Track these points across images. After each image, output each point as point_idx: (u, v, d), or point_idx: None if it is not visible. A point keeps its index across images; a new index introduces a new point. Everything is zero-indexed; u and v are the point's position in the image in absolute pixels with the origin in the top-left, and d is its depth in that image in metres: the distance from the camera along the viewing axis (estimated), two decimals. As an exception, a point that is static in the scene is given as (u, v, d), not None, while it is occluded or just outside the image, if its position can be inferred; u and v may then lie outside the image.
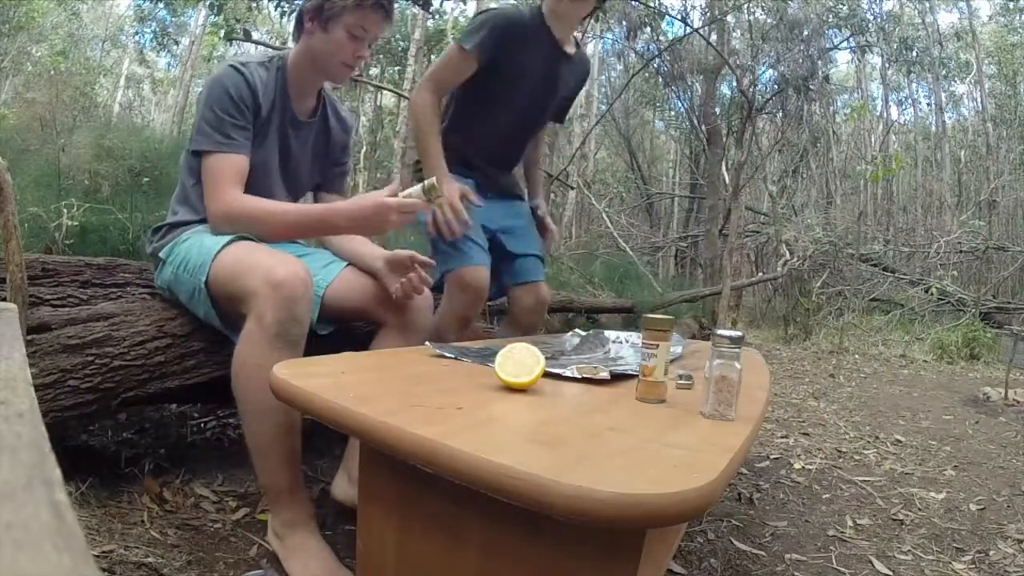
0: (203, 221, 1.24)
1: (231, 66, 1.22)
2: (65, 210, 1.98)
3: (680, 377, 0.94)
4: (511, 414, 0.72)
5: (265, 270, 1.03)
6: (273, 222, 1.19)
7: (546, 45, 1.62)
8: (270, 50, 1.32)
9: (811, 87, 8.85)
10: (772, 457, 2.00)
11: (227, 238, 1.15)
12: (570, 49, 1.68)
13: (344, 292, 1.26)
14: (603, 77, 13.33)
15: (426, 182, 1.17)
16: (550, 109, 1.77)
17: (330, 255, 1.35)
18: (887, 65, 12.58)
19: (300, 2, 1.31)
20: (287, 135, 1.32)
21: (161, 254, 1.24)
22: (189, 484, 1.30)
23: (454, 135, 1.63)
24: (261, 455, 1.04)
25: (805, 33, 8.79)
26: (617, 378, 0.92)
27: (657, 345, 0.82)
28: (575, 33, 1.75)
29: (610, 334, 1.41)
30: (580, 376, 0.87)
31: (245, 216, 1.18)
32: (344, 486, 1.18)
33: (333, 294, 1.25)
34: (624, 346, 1.33)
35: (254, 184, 1.24)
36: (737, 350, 0.77)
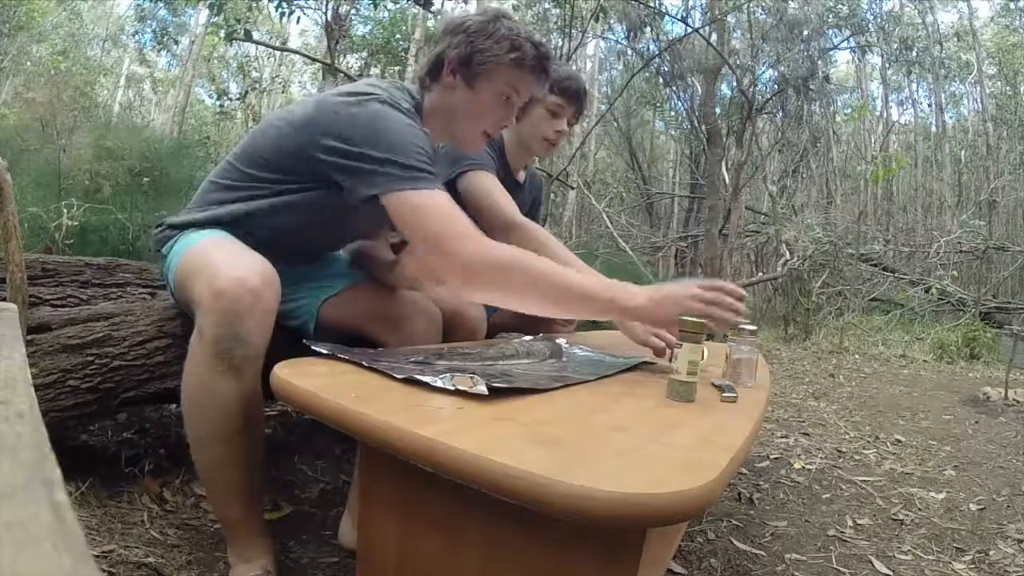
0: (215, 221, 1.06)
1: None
2: (65, 210, 1.98)
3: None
4: (512, 413, 0.72)
5: (209, 275, 0.87)
6: (553, 286, 0.95)
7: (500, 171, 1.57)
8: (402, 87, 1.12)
9: (811, 87, 8.87)
10: (772, 457, 2.00)
11: (203, 232, 1.01)
12: (521, 176, 1.66)
13: (342, 308, 1.15)
14: (603, 77, 13.35)
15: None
16: None
17: (343, 265, 1.24)
18: (887, 65, 12.59)
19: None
20: None
21: (163, 249, 1.09)
22: (189, 484, 1.30)
23: None
24: (207, 483, 0.94)
25: (805, 33, 8.80)
26: (496, 392, 0.76)
27: (681, 345, 0.85)
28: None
29: (561, 341, 1.26)
30: (454, 387, 0.76)
31: (519, 267, 0.94)
32: (349, 530, 1.14)
33: (331, 309, 1.15)
34: (577, 354, 1.17)
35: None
36: (753, 339, 1.08)
